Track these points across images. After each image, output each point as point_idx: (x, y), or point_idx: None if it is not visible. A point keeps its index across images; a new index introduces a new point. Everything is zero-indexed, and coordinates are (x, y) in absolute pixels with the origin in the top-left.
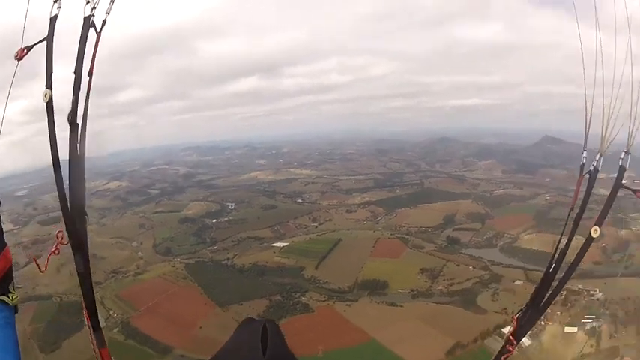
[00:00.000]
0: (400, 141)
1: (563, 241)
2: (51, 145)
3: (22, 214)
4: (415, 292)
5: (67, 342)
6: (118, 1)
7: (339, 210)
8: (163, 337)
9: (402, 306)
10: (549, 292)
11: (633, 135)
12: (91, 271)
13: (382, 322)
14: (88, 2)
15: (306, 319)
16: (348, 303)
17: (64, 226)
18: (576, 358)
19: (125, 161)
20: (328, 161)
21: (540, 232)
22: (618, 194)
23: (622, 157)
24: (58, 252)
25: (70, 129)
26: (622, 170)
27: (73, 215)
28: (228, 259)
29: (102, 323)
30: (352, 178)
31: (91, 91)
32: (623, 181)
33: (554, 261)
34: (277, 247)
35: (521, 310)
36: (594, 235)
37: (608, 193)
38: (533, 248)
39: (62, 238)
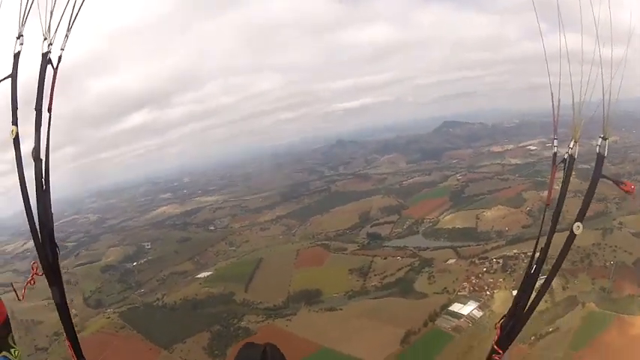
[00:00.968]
0: (297, 151)
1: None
2: (20, 181)
3: None
4: (351, 293)
5: None
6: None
7: (253, 229)
8: None
9: (341, 309)
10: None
11: (607, 119)
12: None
13: (327, 328)
14: (46, 39)
15: None
16: (288, 318)
17: (38, 258)
18: (535, 316)
19: None
20: (231, 184)
21: (460, 210)
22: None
23: (599, 143)
24: (34, 282)
25: (35, 164)
26: (601, 158)
27: (45, 247)
28: (158, 299)
29: None
30: (258, 196)
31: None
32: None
33: (534, 262)
34: (202, 277)
35: (504, 316)
36: (577, 232)
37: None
38: (457, 227)
39: (37, 269)
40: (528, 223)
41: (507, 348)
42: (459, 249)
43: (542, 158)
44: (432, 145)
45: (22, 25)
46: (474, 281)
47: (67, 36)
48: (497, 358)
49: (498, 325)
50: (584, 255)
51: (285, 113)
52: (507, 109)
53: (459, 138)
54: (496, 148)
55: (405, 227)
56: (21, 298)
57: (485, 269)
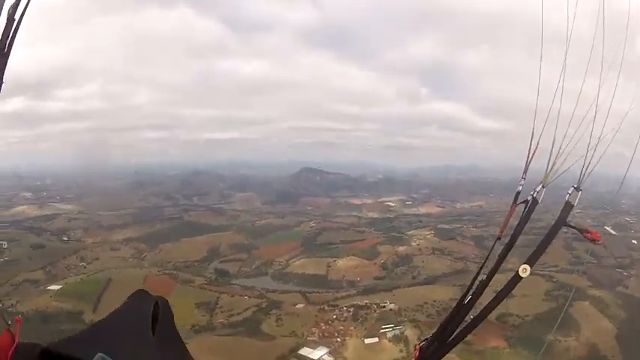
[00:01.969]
0: (157, 173)
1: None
2: None
3: None
4: (197, 327)
5: None
6: None
7: (104, 247)
8: None
9: (187, 343)
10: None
11: (586, 170)
12: None
13: None
14: None
15: None
16: None
17: None
18: None
19: None
20: (87, 195)
21: (310, 256)
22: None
23: (570, 192)
24: None
25: None
26: (568, 206)
27: None
28: (12, 305)
29: None
30: (112, 213)
31: None
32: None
33: (470, 293)
34: (53, 290)
35: (427, 339)
36: (523, 275)
37: None
38: (307, 272)
39: None
40: (381, 275)
41: None
42: (308, 294)
43: (399, 215)
44: (289, 189)
45: None
46: (323, 327)
47: None
48: None
49: (419, 346)
50: (442, 309)
51: (151, 132)
52: (372, 164)
53: (318, 186)
54: (355, 201)
55: (253, 267)
56: None
57: (335, 316)
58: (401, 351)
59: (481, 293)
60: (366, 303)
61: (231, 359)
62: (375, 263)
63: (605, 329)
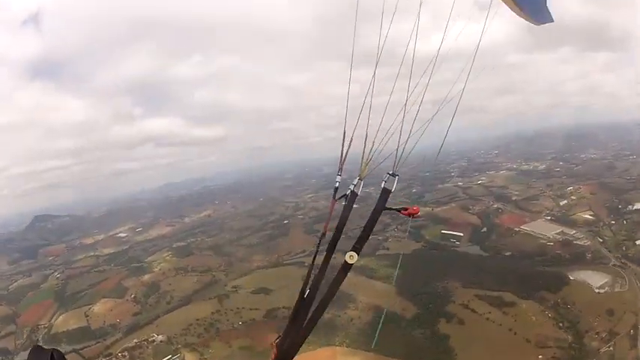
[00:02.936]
0: None
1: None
2: None
3: None
4: None
5: None
6: None
7: None
8: None
9: None
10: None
11: (400, 158)
12: None
13: None
14: None
15: None
16: None
17: None
18: None
19: None
20: None
21: (67, 310)
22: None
23: (386, 179)
24: None
25: None
26: (386, 192)
27: None
28: None
29: None
30: None
31: None
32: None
33: (308, 287)
34: None
35: (279, 337)
36: (350, 262)
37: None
38: (72, 328)
39: None
40: (137, 310)
41: None
42: (81, 351)
43: (133, 244)
44: (27, 243)
45: None
46: None
47: None
48: None
49: (275, 343)
50: (208, 325)
51: None
52: (95, 198)
53: (52, 233)
54: (87, 240)
55: (25, 337)
56: None
57: None
58: None
59: (318, 286)
60: (136, 342)
61: None
62: (127, 300)
63: (384, 290)
